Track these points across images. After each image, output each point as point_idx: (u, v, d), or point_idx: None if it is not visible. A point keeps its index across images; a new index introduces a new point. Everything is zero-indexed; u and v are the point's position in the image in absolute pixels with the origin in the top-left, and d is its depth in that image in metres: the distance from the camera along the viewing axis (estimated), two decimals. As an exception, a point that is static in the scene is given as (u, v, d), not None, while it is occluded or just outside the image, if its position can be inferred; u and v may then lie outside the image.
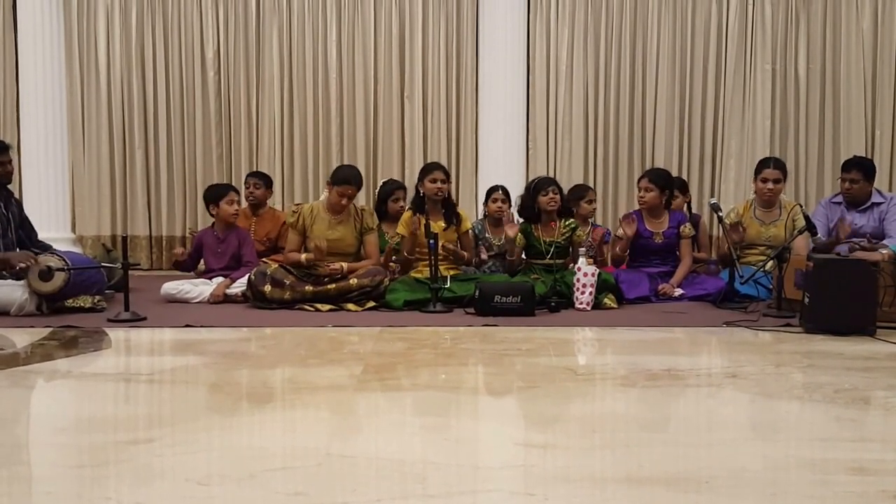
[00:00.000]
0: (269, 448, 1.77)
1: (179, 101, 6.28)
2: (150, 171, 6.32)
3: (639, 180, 4.61)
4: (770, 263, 4.02)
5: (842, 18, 6.16)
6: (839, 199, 4.64)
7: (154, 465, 1.62)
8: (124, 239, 3.98)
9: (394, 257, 4.58)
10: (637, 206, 4.62)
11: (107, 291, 4.21)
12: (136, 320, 3.56)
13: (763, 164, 4.66)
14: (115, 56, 6.23)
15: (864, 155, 5.83)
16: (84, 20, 6.22)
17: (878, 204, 4.52)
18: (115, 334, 3.28)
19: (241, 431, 1.89)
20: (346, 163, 5.62)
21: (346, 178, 4.16)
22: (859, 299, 3.21)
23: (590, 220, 4.95)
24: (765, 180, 4.55)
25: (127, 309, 3.61)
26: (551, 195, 4.29)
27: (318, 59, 6.26)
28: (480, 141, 6.16)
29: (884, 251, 3.57)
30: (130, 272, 3.77)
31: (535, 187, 4.37)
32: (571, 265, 4.25)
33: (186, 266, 4.60)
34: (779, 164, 4.66)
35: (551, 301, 3.96)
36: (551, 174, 6.08)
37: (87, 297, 3.88)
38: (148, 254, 6.31)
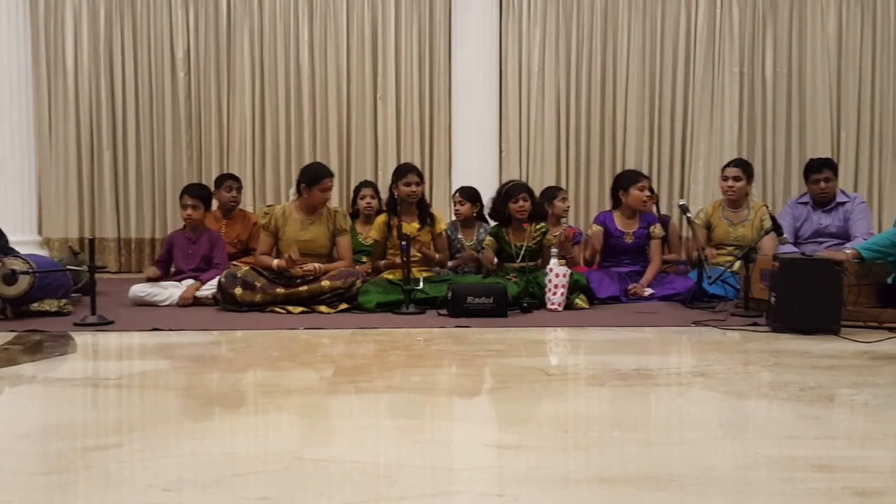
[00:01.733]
0: (238, 453, 1.75)
1: (148, 101, 6.20)
2: (119, 172, 6.23)
3: (642, 180, 4.62)
4: (737, 264, 4.08)
5: (807, 23, 6.28)
6: (805, 199, 4.73)
7: (118, 471, 1.60)
8: (91, 241, 3.92)
9: (363, 259, 4.59)
10: (608, 207, 4.67)
11: (73, 295, 4.15)
12: (103, 324, 3.51)
13: (726, 164, 4.80)
14: (82, 56, 6.13)
15: (828, 156, 5.94)
16: (51, 19, 6.11)
17: (843, 203, 4.62)
18: (82, 338, 3.22)
19: (209, 436, 1.87)
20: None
21: (322, 174, 4.17)
22: (824, 299, 3.27)
23: (562, 221, 4.98)
24: (725, 178, 4.66)
25: (93, 312, 3.56)
26: (521, 203, 4.31)
27: (289, 60, 6.22)
28: (453, 142, 6.17)
29: (848, 251, 3.64)
30: (98, 275, 3.71)
31: (506, 193, 4.38)
32: (543, 268, 4.28)
33: (160, 277, 4.51)
34: (740, 164, 4.77)
35: (523, 302, 3.97)
36: (524, 175, 6.12)
37: (52, 301, 3.81)
38: (116, 256, 6.22)
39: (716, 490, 1.51)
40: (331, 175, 4.22)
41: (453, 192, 5.14)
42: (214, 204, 5.14)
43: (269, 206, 5.00)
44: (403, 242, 3.96)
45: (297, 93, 6.23)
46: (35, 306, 3.75)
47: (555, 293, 3.99)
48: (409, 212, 4.34)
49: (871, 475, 1.61)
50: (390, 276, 4.23)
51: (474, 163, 5.97)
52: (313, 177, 4.16)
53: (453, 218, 5.12)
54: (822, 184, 4.58)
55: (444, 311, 3.87)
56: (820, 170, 4.62)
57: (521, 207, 4.31)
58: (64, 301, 3.89)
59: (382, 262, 4.33)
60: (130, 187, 6.21)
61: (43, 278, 3.73)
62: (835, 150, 6.31)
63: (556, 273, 3.99)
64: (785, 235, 4.15)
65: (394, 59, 6.22)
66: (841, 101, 6.32)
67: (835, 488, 1.51)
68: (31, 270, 3.67)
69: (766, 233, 4.20)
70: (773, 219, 4.22)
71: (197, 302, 4.19)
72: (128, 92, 6.18)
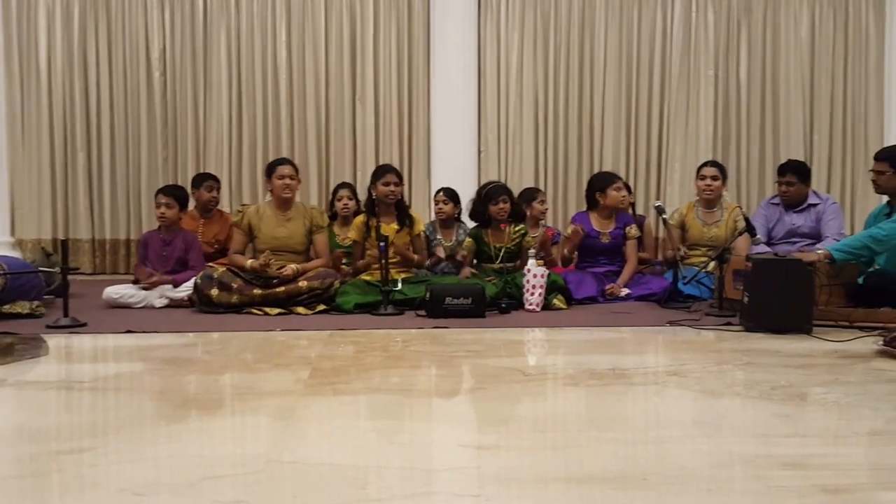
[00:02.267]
0: (211, 456, 1.74)
1: (123, 101, 6.13)
2: (93, 172, 6.16)
3: (617, 181, 4.66)
4: (711, 264, 4.13)
5: (780, 26, 6.37)
6: (778, 200, 4.79)
7: (89, 475, 1.58)
8: (64, 242, 3.86)
9: (344, 261, 4.57)
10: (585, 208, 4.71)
11: (46, 297, 4.10)
12: (76, 326, 3.47)
13: (702, 165, 4.87)
14: (56, 55, 6.05)
15: (801, 158, 6.03)
16: (24, 17, 6.03)
17: (815, 205, 4.69)
18: (54, 341, 3.18)
19: (183, 439, 1.85)
20: (300, 165, 5.56)
21: (279, 162, 4.24)
22: (796, 298, 3.31)
23: (541, 222, 5.00)
24: (703, 177, 4.72)
25: (66, 315, 3.52)
26: (501, 205, 4.34)
27: (267, 60, 6.18)
28: (433, 143, 6.18)
29: (819, 252, 3.70)
30: (72, 277, 3.67)
31: (486, 195, 4.41)
32: (522, 269, 4.30)
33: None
34: (716, 164, 4.84)
35: (502, 302, 3.99)
36: (502, 176, 6.14)
37: (24, 303, 3.77)
38: (91, 258, 6.14)
39: (688, 488, 1.52)
40: (288, 163, 4.25)
41: (435, 192, 5.14)
42: (191, 204, 5.11)
43: (243, 205, 4.97)
44: (382, 243, 3.96)
45: (275, 93, 6.20)
46: (7, 308, 3.70)
47: (532, 294, 4.01)
48: (388, 213, 4.34)
49: (840, 472, 1.64)
50: (368, 278, 4.23)
51: (453, 164, 5.99)
52: (270, 167, 4.25)
53: (432, 218, 5.13)
54: (784, 187, 4.66)
55: (422, 312, 3.87)
56: (783, 173, 4.70)
57: (500, 209, 4.34)
58: (36, 303, 3.84)
59: (361, 261, 4.33)
60: (105, 188, 6.14)
61: (15, 280, 3.68)
62: (807, 151, 6.40)
63: (534, 273, 4.01)
64: (758, 236, 4.20)
65: (372, 61, 6.21)
66: (814, 103, 6.42)
67: (802, 486, 1.54)
68: (2, 272, 3.61)
69: (740, 233, 4.26)
70: (746, 219, 4.28)
71: (172, 303, 4.15)
72: (102, 91, 6.11)
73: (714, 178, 4.68)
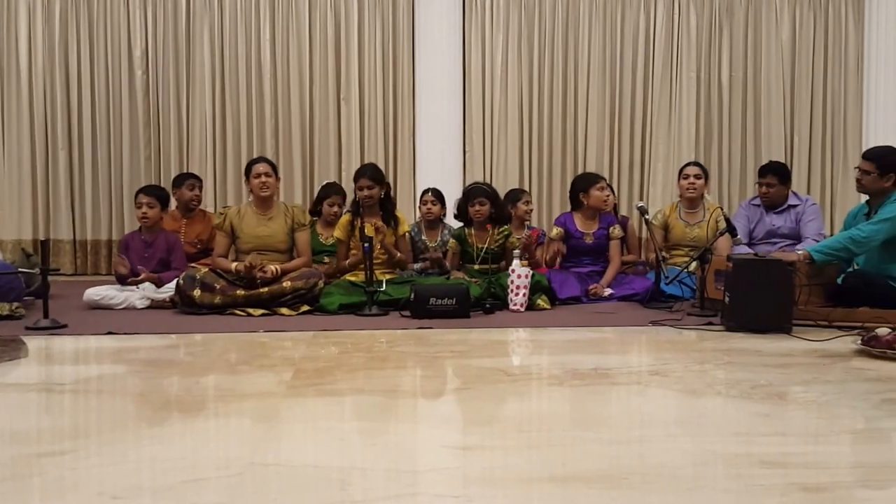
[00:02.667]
0: (191, 458, 1.73)
1: (105, 100, 6.07)
2: (75, 172, 6.10)
3: (600, 181, 4.69)
4: (693, 264, 4.16)
5: (762, 29, 6.43)
6: (758, 201, 4.84)
7: (68, 478, 1.57)
8: (44, 243, 3.82)
9: (325, 260, 4.57)
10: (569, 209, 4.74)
11: (26, 298, 4.05)
12: (56, 328, 3.43)
13: (685, 165, 4.92)
14: (37, 53, 5.98)
15: (782, 159, 6.09)
16: (4, 15, 5.95)
17: (795, 206, 4.74)
18: (34, 343, 3.15)
19: (163, 442, 1.84)
20: (282, 165, 5.57)
21: (254, 161, 4.26)
22: (776, 298, 3.35)
23: (526, 223, 5.02)
24: (686, 176, 4.77)
25: (46, 316, 3.48)
26: (478, 207, 4.36)
27: (251, 59, 6.15)
28: (418, 143, 6.17)
29: (800, 252, 3.74)
30: (52, 278, 3.63)
31: (466, 196, 4.44)
32: (507, 269, 4.31)
33: (123, 278, 4.41)
34: (699, 164, 4.91)
35: (486, 303, 4.00)
36: (488, 177, 6.15)
37: (4, 304, 3.72)
38: (72, 258, 6.08)
39: (667, 487, 1.54)
40: (263, 161, 4.26)
41: (422, 192, 5.13)
42: (173, 203, 5.08)
43: (225, 206, 4.95)
44: (366, 244, 3.95)
45: (259, 92, 6.17)
46: (-14, 310, 3.65)
47: (517, 294, 4.03)
48: (373, 213, 4.33)
49: (819, 471, 1.66)
50: (353, 278, 4.22)
51: (438, 165, 5.99)
52: (247, 167, 4.27)
53: (418, 218, 5.13)
54: (764, 188, 4.70)
55: (406, 313, 3.87)
56: (763, 175, 4.74)
57: (477, 211, 4.36)
58: (16, 304, 3.79)
59: (347, 261, 4.31)
60: (86, 187, 6.08)
61: (-6, 281, 3.64)
62: (788, 153, 6.46)
63: (518, 274, 4.02)
64: (739, 236, 4.24)
65: (357, 60, 6.20)
66: (794, 105, 6.48)
67: (780, 484, 1.56)
68: (-19, 273, 3.57)
69: (721, 234, 4.29)
70: (727, 220, 4.31)
71: (154, 305, 4.12)
72: (84, 90, 6.05)
73: (697, 176, 4.73)
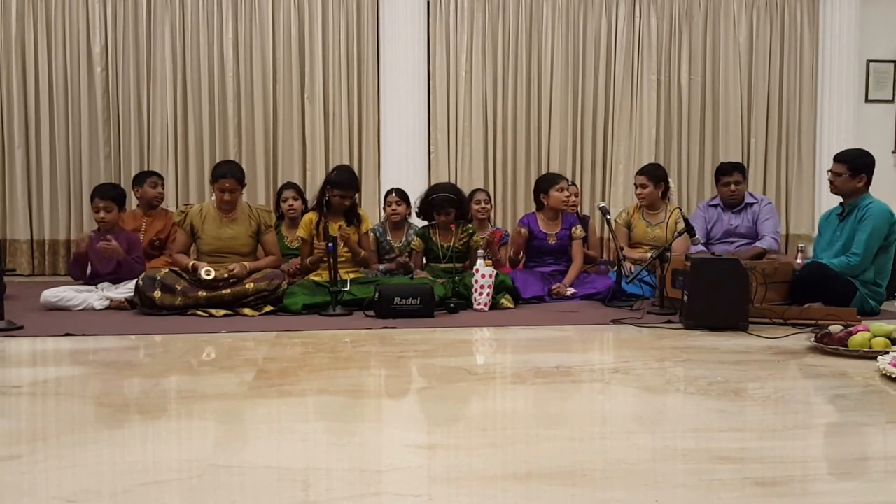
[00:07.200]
0: (148, 461, 1.71)
1: (63, 97, 5.95)
2: (32, 170, 5.96)
3: (560, 181, 4.72)
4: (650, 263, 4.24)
5: (720, 33, 6.56)
6: (716, 201, 4.95)
7: (18, 482, 1.54)
8: (1, 243, 3.73)
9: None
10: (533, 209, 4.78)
11: (-20, 299, 3.95)
12: (12, 329, 3.36)
13: (637, 172, 5.01)
14: (-10, 48, 5.84)
15: (739, 160, 6.23)
16: (-45, 9, 5.80)
17: (751, 204, 4.86)
18: (-11, 345, 3.08)
19: (121, 444, 1.82)
20: (245, 164, 5.50)
21: (222, 174, 4.08)
22: (733, 297, 3.42)
23: (480, 218, 5.03)
24: (635, 185, 4.88)
25: (2, 318, 3.40)
26: (444, 217, 4.40)
27: (213, 57, 6.08)
28: (382, 143, 6.17)
29: (799, 261, 3.88)
30: (9, 279, 3.55)
31: (430, 203, 4.45)
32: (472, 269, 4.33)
33: (77, 274, 4.33)
34: (646, 171, 4.90)
35: (450, 302, 4.02)
36: (452, 177, 6.18)
37: (-43, 306, 3.62)
38: (29, 259, 5.94)
39: (624, 482, 1.57)
40: (228, 176, 4.05)
41: (385, 193, 5.13)
42: (134, 202, 5.01)
43: (186, 204, 4.88)
44: (330, 244, 3.94)
45: (222, 91, 6.10)
46: (-63, 312, 3.55)
47: (481, 293, 4.05)
48: (338, 213, 4.32)
49: (773, 465, 1.71)
50: (317, 278, 4.20)
51: (403, 164, 5.99)
52: (213, 175, 4.16)
53: (383, 219, 5.12)
54: (733, 186, 4.81)
55: (371, 313, 3.87)
56: (730, 173, 4.85)
57: (444, 221, 4.42)
58: (-31, 306, 3.69)
59: (309, 258, 4.29)
60: (44, 186, 5.95)
61: (-54, 282, 3.54)
62: (745, 154, 6.61)
63: (482, 273, 4.05)
64: (697, 237, 4.33)
65: (321, 59, 6.16)
66: (751, 107, 6.64)
67: (735, 479, 1.60)
68: (-68, 274, 3.47)
69: (679, 234, 4.37)
70: (686, 220, 4.40)
71: (112, 305, 4.05)
72: (41, 87, 5.92)
73: (643, 185, 4.79)
